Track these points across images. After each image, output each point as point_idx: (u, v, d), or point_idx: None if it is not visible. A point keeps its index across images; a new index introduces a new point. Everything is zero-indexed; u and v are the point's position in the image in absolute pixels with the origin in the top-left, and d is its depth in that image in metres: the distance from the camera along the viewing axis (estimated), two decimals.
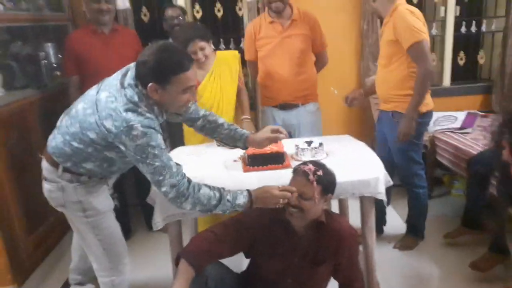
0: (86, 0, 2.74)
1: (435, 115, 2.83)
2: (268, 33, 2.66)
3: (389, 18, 2.31)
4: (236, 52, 2.61)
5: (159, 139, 1.51)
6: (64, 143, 1.60)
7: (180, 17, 2.95)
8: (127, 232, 3.05)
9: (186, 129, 2.63)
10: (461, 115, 3.33)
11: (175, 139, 2.81)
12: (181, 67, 1.48)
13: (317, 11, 2.83)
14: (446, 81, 3.64)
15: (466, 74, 3.81)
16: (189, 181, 1.57)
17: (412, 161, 2.51)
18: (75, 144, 1.58)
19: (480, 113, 3.38)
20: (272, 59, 2.68)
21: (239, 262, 2.11)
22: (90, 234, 1.76)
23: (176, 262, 1.59)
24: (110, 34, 2.65)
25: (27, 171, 1.78)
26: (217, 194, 1.58)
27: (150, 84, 1.48)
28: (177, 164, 1.59)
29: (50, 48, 2.90)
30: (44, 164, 1.69)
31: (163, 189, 1.53)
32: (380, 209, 2.59)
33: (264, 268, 1.73)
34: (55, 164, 1.64)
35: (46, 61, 2.75)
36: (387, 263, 2.48)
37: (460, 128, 3.21)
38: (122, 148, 1.51)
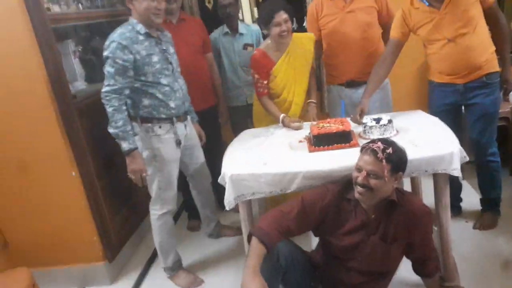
0: None
1: None
2: (330, 10, 2.58)
3: None
4: (312, 34, 2.59)
5: (118, 52, 1.97)
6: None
7: (232, 5, 2.88)
8: None
9: (256, 110, 2.68)
10: None
11: (240, 125, 2.87)
12: None
13: None
14: None
15: None
16: (120, 102, 2.01)
17: (496, 128, 2.40)
18: (127, 90, 2.07)
19: None
20: (337, 36, 2.60)
21: (309, 241, 2.15)
22: (154, 175, 2.24)
23: (248, 240, 1.65)
24: (178, 24, 2.69)
25: (111, 156, 1.97)
26: (123, 127, 2.01)
27: None
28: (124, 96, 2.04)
29: None
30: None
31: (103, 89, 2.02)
32: (454, 186, 2.47)
33: (333, 246, 1.75)
34: (135, 119, 2.15)
35: None
36: (465, 242, 2.39)
37: None
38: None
